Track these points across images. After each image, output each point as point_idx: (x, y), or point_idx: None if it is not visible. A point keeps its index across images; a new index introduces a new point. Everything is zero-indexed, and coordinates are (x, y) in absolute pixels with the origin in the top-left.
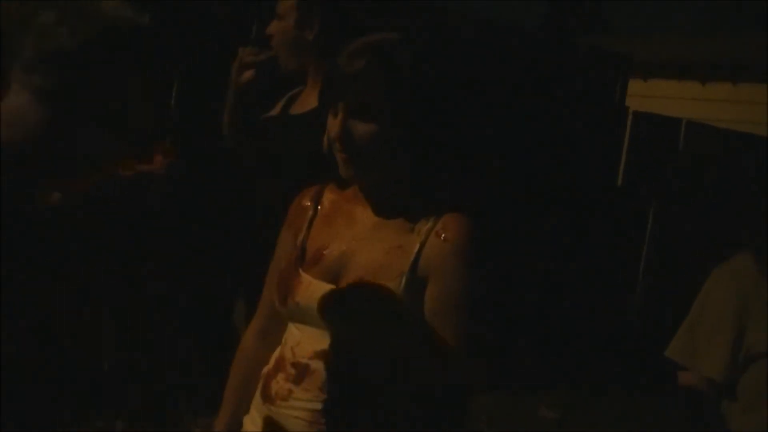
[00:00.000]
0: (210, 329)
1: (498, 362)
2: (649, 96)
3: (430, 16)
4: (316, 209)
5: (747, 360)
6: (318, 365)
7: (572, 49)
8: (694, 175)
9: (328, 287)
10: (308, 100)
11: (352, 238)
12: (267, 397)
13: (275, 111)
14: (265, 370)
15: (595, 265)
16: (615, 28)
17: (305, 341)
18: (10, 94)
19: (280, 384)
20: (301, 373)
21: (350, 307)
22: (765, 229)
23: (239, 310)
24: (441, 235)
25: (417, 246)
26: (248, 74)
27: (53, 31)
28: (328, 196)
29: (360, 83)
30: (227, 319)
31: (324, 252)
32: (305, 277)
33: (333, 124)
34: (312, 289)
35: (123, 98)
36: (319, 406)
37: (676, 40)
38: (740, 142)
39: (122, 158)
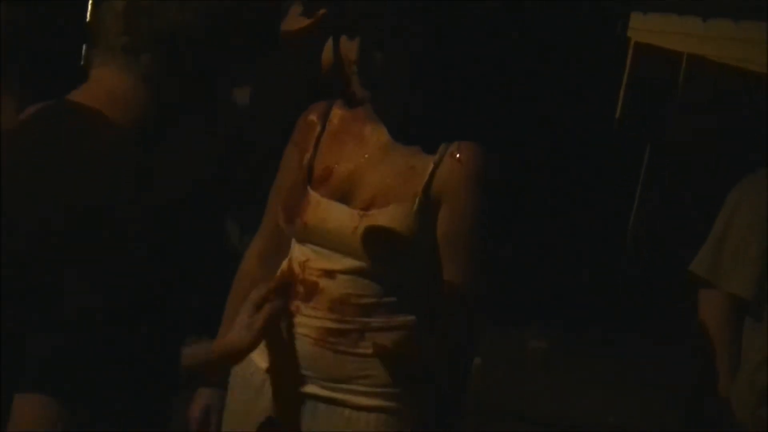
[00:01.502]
0: (202, 250)
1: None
2: (649, 30)
3: None
4: (323, 126)
5: None
6: (326, 284)
7: None
8: (694, 110)
9: (339, 208)
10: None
11: (363, 157)
12: None
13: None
14: (271, 287)
15: (592, 198)
16: None
17: (314, 260)
18: (107, 76)
19: (287, 302)
20: (309, 291)
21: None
22: None
23: (233, 229)
24: (456, 156)
25: (431, 167)
26: None
27: (165, 9)
28: (337, 113)
29: (376, 16)
30: (220, 239)
31: (333, 170)
32: (314, 196)
33: (350, 49)
34: (321, 208)
35: (229, 86)
36: (327, 324)
37: None
38: (741, 79)
39: None
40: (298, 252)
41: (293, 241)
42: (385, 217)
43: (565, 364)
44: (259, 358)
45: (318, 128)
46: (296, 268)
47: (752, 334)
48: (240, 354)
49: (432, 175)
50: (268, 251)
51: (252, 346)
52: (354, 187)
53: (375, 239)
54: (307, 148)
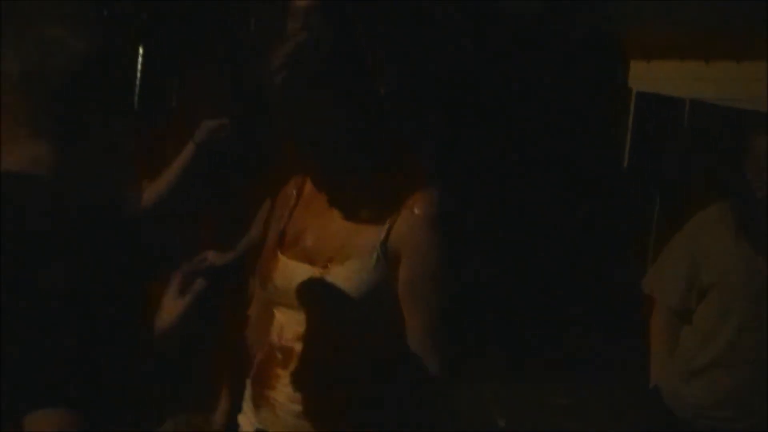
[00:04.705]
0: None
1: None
2: (653, 77)
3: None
4: (298, 198)
5: (701, 292)
6: (300, 347)
7: (571, 33)
8: (700, 154)
9: (303, 267)
10: None
11: (329, 218)
12: (257, 384)
13: None
14: (258, 357)
15: (603, 249)
16: (614, 9)
17: (288, 324)
18: (17, 145)
19: (269, 370)
20: (286, 356)
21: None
22: (738, 189)
23: None
24: (412, 209)
25: (388, 221)
26: None
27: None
28: (310, 185)
29: (298, 107)
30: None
31: (301, 235)
32: (282, 259)
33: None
34: (288, 269)
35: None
36: (306, 391)
37: (678, 20)
38: (745, 120)
39: None
40: (276, 319)
41: (273, 308)
42: (343, 272)
43: (589, 419)
44: (246, 422)
45: (293, 200)
46: (274, 337)
47: (688, 342)
48: None
49: (390, 228)
50: (259, 319)
51: None
52: (318, 248)
53: (335, 295)
54: (283, 217)
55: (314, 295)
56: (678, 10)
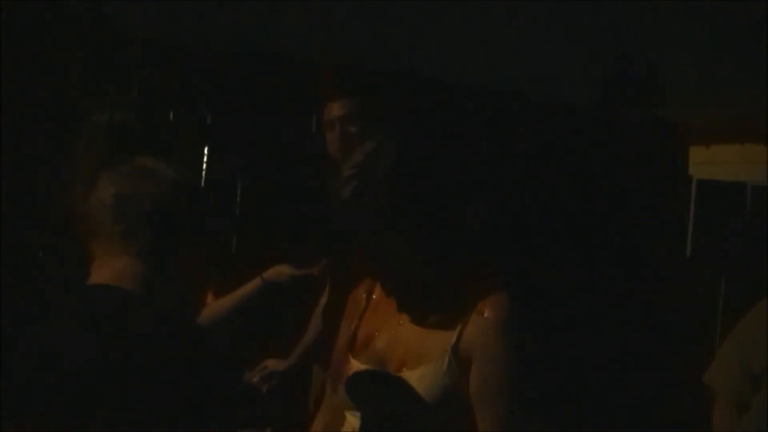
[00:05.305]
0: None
1: None
2: (713, 163)
3: (476, 99)
4: (368, 300)
5: (755, 382)
6: None
7: (627, 122)
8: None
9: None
10: None
11: (399, 322)
12: None
13: None
14: None
15: (670, 339)
16: (671, 95)
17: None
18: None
19: None
20: None
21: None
22: None
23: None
24: (483, 313)
25: (459, 325)
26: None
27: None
28: (380, 288)
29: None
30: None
31: (373, 338)
32: (354, 363)
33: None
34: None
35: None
36: None
37: (735, 104)
38: None
39: None
40: (347, 422)
41: (345, 412)
42: (415, 376)
43: None
44: None
45: (363, 302)
46: None
47: (745, 426)
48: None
49: (460, 332)
50: (330, 424)
51: None
52: (390, 351)
53: (408, 399)
54: (353, 320)
55: (387, 400)
56: (735, 94)
